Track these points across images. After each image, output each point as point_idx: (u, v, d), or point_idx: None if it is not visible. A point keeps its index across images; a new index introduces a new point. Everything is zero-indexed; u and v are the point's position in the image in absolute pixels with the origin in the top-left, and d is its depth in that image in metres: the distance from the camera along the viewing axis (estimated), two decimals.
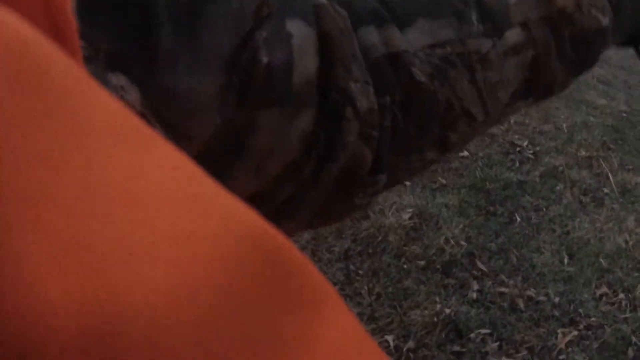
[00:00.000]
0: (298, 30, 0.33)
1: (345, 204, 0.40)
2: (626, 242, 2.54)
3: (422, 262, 2.18)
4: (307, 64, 0.33)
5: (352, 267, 2.08)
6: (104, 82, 0.26)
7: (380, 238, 2.21)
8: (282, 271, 0.14)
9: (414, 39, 0.38)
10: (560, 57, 0.46)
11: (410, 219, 2.33)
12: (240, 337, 0.13)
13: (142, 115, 0.27)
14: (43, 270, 0.11)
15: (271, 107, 0.32)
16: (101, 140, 0.13)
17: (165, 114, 0.28)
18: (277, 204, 0.36)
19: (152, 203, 0.13)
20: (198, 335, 0.12)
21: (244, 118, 0.31)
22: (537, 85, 0.46)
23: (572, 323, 2.19)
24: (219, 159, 0.31)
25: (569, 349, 2.11)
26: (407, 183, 2.53)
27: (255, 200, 0.35)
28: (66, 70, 0.13)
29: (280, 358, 0.13)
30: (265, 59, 0.31)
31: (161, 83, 0.28)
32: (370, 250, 2.16)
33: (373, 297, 2.01)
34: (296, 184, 0.36)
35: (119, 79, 0.26)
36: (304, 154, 0.35)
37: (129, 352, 0.12)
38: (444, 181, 2.63)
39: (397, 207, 2.37)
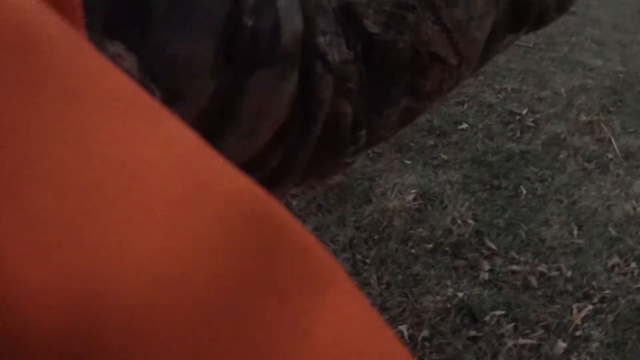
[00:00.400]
0: None
1: (332, 162, 0.40)
2: (634, 208, 2.48)
3: (430, 245, 2.10)
4: (294, 23, 0.33)
5: (358, 256, 2.00)
6: (102, 50, 0.25)
7: (385, 223, 2.12)
8: (282, 253, 0.14)
9: None
10: None
11: (414, 200, 2.24)
12: (231, 323, 0.12)
13: (141, 83, 0.26)
14: (25, 251, 0.11)
15: (260, 68, 0.32)
16: (94, 111, 0.12)
17: (162, 80, 0.28)
18: (268, 170, 0.36)
19: (146, 180, 0.12)
20: (185, 322, 0.12)
21: (235, 81, 0.31)
22: (527, 15, 0.42)
23: (586, 297, 2.13)
24: (212, 124, 0.31)
25: (585, 324, 2.05)
26: (408, 162, 2.44)
27: (246, 169, 0.32)
28: (61, 40, 0.13)
29: (273, 346, 0.13)
30: (250, 23, 0.31)
31: (157, 48, 0.28)
32: (375, 237, 2.07)
33: (383, 287, 1.92)
34: (285, 147, 0.36)
35: (115, 47, 0.27)
36: (291, 115, 0.35)
37: (113, 335, 0.11)
38: (445, 157, 2.53)
39: (399, 188, 2.28)
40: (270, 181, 0.37)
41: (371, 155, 2.42)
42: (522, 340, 1.94)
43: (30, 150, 0.11)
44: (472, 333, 1.90)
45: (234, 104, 0.32)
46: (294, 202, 2.08)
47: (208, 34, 0.30)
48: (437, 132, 2.69)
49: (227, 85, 0.31)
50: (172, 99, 0.29)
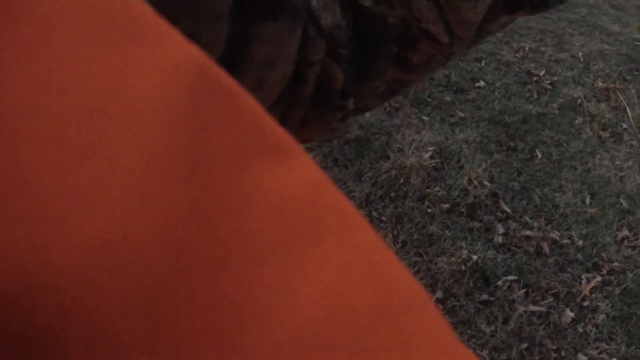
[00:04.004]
0: None
1: (320, 126, 0.40)
2: None
3: (446, 205, 2.05)
4: None
5: (374, 213, 1.93)
6: None
7: (402, 180, 2.05)
8: (237, 122, 0.14)
9: None
10: None
11: (431, 158, 2.18)
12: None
13: None
14: None
15: (270, 20, 0.32)
16: (69, 41, 0.12)
17: (183, 22, 0.27)
18: None
19: (121, 121, 0.12)
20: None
21: (246, 30, 0.31)
22: None
23: (596, 268, 2.12)
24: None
25: (593, 295, 2.04)
26: (425, 118, 2.36)
27: None
28: None
29: (228, 215, 0.13)
30: None
31: None
32: (392, 194, 2.00)
33: (398, 245, 1.87)
34: (284, 103, 0.36)
35: None
36: (294, 71, 0.35)
37: (52, 313, 0.11)
38: (462, 114, 2.46)
39: (416, 145, 2.21)
40: None
41: (388, 109, 2.33)
42: (532, 307, 1.92)
43: None
44: (485, 297, 1.87)
45: (243, 53, 0.32)
46: (311, 155, 2.00)
47: None
48: (455, 88, 2.60)
49: (239, 33, 0.31)
50: (194, 42, 0.27)
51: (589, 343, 1.91)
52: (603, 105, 2.76)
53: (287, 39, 0.33)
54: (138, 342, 0.12)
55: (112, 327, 0.12)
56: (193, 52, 0.14)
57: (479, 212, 2.08)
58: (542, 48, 3.00)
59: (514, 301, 1.91)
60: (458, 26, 0.39)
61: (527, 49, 2.94)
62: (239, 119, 0.15)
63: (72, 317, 0.11)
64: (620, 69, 3.02)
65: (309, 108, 0.38)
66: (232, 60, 0.31)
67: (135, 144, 0.12)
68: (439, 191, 2.07)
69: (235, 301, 0.13)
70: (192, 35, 0.28)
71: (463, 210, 2.06)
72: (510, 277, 1.96)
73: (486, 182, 2.18)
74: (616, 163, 2.49)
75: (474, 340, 1.79)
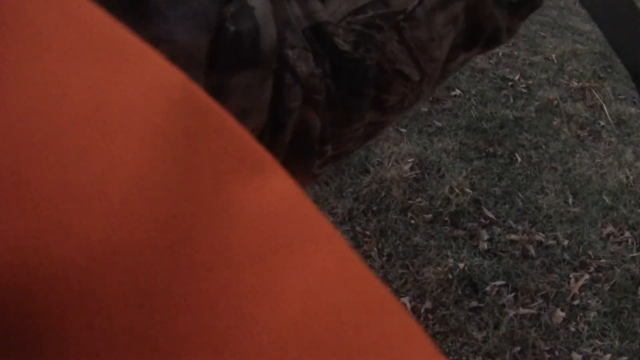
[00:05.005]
0: (258, 2, 0.34)
1: (301, 174, 0.41)
2: (627, 177, 2.47)
3: (429, 215, 2.06)
4: (270, 31, 0.34)
5: (358, 228, 1.94)
6: None
7: (383, 194, 2.06)
8: (214, 138, 0.14)
9: (335, 9, 0.38)
10: (496, 2, 0.44)
11: (411, 169, 2.19)
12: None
13: None
14: None
15: (243, 70, 0.33)
16: (64, 55, 0.12)
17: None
18: None
19: (116, 128, 0.12)
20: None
21: (219, 81, 0.32)
22: (479, 36, 0.45)
23: (583, 266, 2.12)
24: None
25: (582, 293, 2.04)
26: (403, 130, 2.38)
27: None
28: None
29: (206, 226, 0.13)
30: (232, 28, 0.32)
31: (158, 38, 0.28)
32: (374, 208, 2.01)
33: (384, 259, 1.88)
34: None
35: None
36: (271, 120, 0.36)
37: (51, 307, 0.11)
38: (439, 124, 2.48)
39: (396, 157, 2.22)
40: None
41: None
42: (522, 310, 1.93)
43: None
44: (474, 304, 1.88)
45: (218, 102, 0.30)
46: None
47: (205, 29, 0.31)
48: (431, 98, 2.63)
49: (213, 84, 0.32)
50: None
51: (582, 341, 1.91)
52: (579, 105, 2.79)
53: (260, 88, 0.34)
54: (134, 339, 0.12)
55: (109, 323, 0.12)
56: (175, 71, 0.15)
57: (462, 219, 2.09)
58: (516, 52, 3.04)
59: (503, 306, 1.92)
60: (427, 64, 0.42)
61: (500, 54, 2.98)
62: (220, 134, 0.15)
63: (71, 311, 0.11)
64: (594, 67, 3.06)
65: (288, 156, 0.38)
66: None
67: (129, 150, 0.13)
68: (421, 202, 2.08)
69: (221, 305, 0.13)
70: None
71: (446, 219, 2.07)
72: (498, 282, 1.97)
73: (468, 190, 2.20)
74: (596, 161, 2.51)
75: (466, 347, 1.79)
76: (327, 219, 0.17)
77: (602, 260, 2.15)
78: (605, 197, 2.36)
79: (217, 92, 0.33)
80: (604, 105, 2.79)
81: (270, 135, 0.37)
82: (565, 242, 2.17)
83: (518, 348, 1.83)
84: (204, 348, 0.13)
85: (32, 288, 0.11)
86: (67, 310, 0.11)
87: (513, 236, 2.12)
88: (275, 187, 0.16)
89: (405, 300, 1.81)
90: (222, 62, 0.33)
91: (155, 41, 0.28)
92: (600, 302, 2.03)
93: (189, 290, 0.13)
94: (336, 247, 0.16)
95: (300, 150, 0.39)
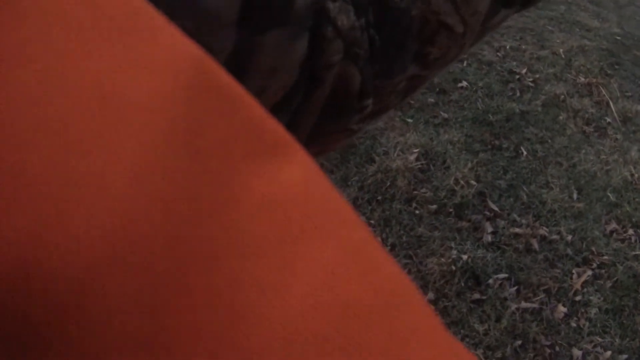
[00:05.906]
0: None
1: (337, 129, 0.40)
2: (632, 174, 2.46)
3: (434, 206, 2.04)
4: None
5: (362, 217, 1.93)
6: None
7: (388, 183, 2.05)
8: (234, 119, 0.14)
9: None
10: None
11: (417, 160, 2.17)
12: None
13: None
14: None
15: (274, 28, 0.33)
16: (70, 34, 0.11)
17: (191, 29, 0.27)
18: None
19: (120, 117, 0.11)
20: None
21: (250, 39, 0.32)
22: None
23: (586, 262, 2.12)
24: None
25: (584, 289, 2.04)
26: (409, 120, 2.36)
27: None
28: None
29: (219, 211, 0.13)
30: None
31: None
32: (379, 198, 2.00)
33: (387, 249, 1.87)
34: (290, 113, 0.36)
35: None
36: (298, 79, 0.35)
37: (51, 301, 0.11)
38: (445, 115, 2.46)
39: (401, 147, 2.21)
40: None
41: None
42: (524, 304, 1.92)
43: None
44: (477, 296, 1.87)
45: (247, 61, 0.32)
46: None
47: None
48: (437, 89, 2.61)
49: (243, 42, 0.32)
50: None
51: (583, 337, 1.90)
52: (586, 101, 2.77)
53: (291, 46, 0.34)
54: (134, 333, 0.12)
55: (109, 318, 0.11)
56: (191, 48, 0.14)
57: (466, 211, 2.08)
58: (523, 46, 3.02)
59: (505, 299, 1.91)
60: (470, 16, 0.42)
61: (508, 48, 2.96)
62: (235, 117, 0.15)
63: (71, 305, 0.11)
64: (601, 63, 3.04)
65: (326, 112, 0.38)
66: (236, 68, 0.32)
67: (134, 137, 0.12)
68: (425, 192, 2.07)
69: (226, 297, 0.13)
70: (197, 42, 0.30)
71: (451, 210, 2.06)
72: (501, 275, 1.96)
73: (473, 182, 2.18)
74: (601, 157, 2.50)
75: (467, 339, 1.78)
76: (346, 203, 0.16)
77: (605, 257, 2.14)
78: (609, 194, 2.36)
79: (247, 50, 0.32)
80: (611, 102, 2.77)
81: (305, 90, 0.36)
82: (569, 238, 2.17)
83: (519, 342, 1.83)
84: (207, 343, 0.13)
85: (31, 287, 0.11)
86: (67, 309, 0.11)
87: (517, 230, 2.11)
88: (289, 174, 0.15)
89: None
90: (254, 19, 0.32)
91: (187, 8, 0.28)
92: (602, 298, 2.02)
93: (192, 283, 0.13)
94: (350, 236, 0.15)
95: (339, 105, 0.38)
